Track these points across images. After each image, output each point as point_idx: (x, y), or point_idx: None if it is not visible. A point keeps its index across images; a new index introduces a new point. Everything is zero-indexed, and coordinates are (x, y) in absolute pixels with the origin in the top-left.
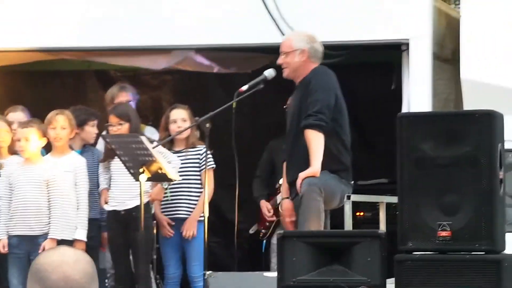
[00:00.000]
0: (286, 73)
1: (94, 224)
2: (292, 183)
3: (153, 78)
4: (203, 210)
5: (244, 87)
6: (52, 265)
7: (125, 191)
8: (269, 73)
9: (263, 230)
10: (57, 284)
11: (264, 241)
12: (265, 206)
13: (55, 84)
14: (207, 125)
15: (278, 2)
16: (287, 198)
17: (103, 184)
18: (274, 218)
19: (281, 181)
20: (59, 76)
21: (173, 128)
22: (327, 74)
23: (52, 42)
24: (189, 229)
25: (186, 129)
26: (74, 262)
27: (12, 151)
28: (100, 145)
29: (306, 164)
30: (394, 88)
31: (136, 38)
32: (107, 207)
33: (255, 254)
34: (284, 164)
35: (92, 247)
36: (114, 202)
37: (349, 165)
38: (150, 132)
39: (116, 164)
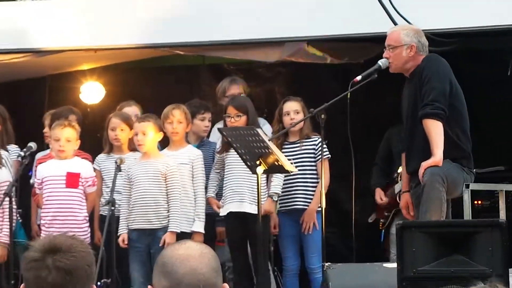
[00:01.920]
0: (393, 67)
1: (208, 219)
2: (413, 173)
3: (266, 70)
4: (320, 201)
5: (358, 77)
6: (179, 259)
7: (241, 187)
8: (383, 62)
9: (381, 220)
10: (185, 278)
11: (383, 231)
12: (378, 194)
13: (170, 79)
14: (322, 116)
15: None
16: (407, 191)
17: (210, 192)
18: (387, 205)
19: (399, 170)
20: (173, 72)
21: (286, 120)
22: (440, 61)
23: (167, 38)
24: (308, 221)
25: (300, 121)
26: (200, 256)
27: (132, 147)
28: (213, 137)
29: (426, 154)
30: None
31: (249, 31)
32: (223, 212)
33: (374, 245)
34: (403, 155)
35: (206, 241)
36: (229, 201)
37: (470, 152)
38: (262, 123)
39: (232, 156)
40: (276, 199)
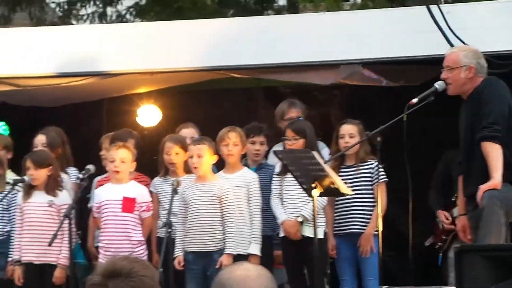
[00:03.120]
0: (451, 89)
1: (267, 241)
2: (470, 197)
3: (321, 93)
4: (377, 225)
5: (415, 100)
6: (236, 280)
7: (297, 207)
8: (440, 84)
9: (439, 243)
10: None
11: (440, 254)
12: (443, 215)
13: (226, 102)
14: (378, 139)
15: (446, 13)
16: (464, 214)
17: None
18: (453, 227)
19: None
20: (229, 94)
21: (341, 143)
22: (499, 83)
23: (223, 61)
24: (366, 245)
25: (354, 145)
26: (257, 277)
27: (187, 169)
28: (272, 160)
29: (484, 177)
30: None
31: (304, 54)
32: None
33: (431, 268)
34: (460, 178)
35: (264, 264)
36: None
37: None
38: (320, 147)
39: (289, 179)
40: (300, 220)
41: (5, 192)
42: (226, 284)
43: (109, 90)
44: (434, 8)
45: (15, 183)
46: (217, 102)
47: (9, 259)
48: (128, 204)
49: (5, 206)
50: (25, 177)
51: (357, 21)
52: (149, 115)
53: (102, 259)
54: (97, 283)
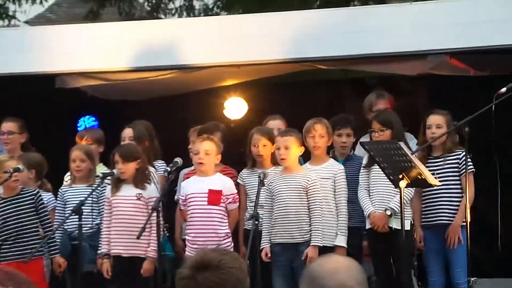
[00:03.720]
0: None
1: (355, 233)
2: None
3: (408, 83)
4: (465, 216)
5: (503, 89)
6: (328, 272)
7: (384, 199)
8: None
9: None
10: None
11: None
12: None
13: (312, 94)
14: (466, 129)
15: None
16: None
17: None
18: None
19: None
20: (316, 86)
21: (428, 134)
22: None
23: (309, 53)
24: (453, 236)
25: (442, 135)
26: (348, 269)
27: (274, 161)
28: (359, 152)
29: None
30: None
31: (390, 44)
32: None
33: None
34: None
35: (352, 255)
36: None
37: None
38: (409, 138)
39: (376, 170)
40: (389, 214)
41: (95, 186)
42: (317, 276)
43: (196, 83)
44: None
45: (104, 176)
46: (304, 94)
47: (99, 252)
48: (214, 197)
49: (94, 200)
50: (114, 171)
51: (443, 11)
52: (235, 107)
53: (189, 251)
54: (186, 277)
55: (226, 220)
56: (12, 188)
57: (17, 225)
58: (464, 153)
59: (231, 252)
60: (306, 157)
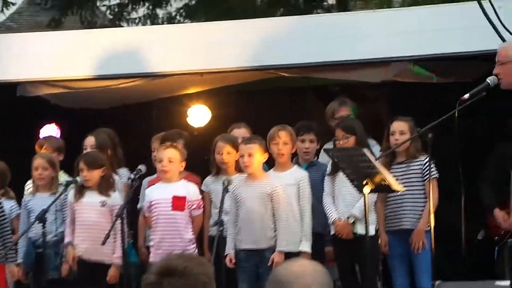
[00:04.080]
0: (503, 83)
1: (318, 238)
2: None
3: (371, 91)
4: (429, 221)
5: (466, 96)
6: (293, 276)
7: (348, 205)
8: (492, 80)
9: (496, 238)
10: None
11: (496, 248)
12: (501, 216)
13: (275, 101)
14: (429, 135)
15: (497, 8)
16: None
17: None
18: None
19: None
20: (279, 94)
21: (392, 140)
22: None
23: (271, 60)
24: (418, 240)
25: (405, 142)
26: (313, 273)
27: (238, 168)
28: (323, 159)
29: None
30: None
31: (354, 52)
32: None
33: (484, 263)
34: None
35: (316, 261)
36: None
37: None
38: (372, 145)
39: (340, 177)
40: (352, 221)
41: (58, 194)
42: (282, 281)
43: (159, 91)
44: (485, 3)
45: (68, 184)
46: (267, 102)
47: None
48: (178, 203)
49: (58, 207)
50: (77, 178)
51: (407, 18)
52: (199, 115)
53: (153, 258)
54: (152, 282)
55: (191, 226)
56: None
57: None
58: (427, 159)
59: (197, 258)
60: (270, 164)
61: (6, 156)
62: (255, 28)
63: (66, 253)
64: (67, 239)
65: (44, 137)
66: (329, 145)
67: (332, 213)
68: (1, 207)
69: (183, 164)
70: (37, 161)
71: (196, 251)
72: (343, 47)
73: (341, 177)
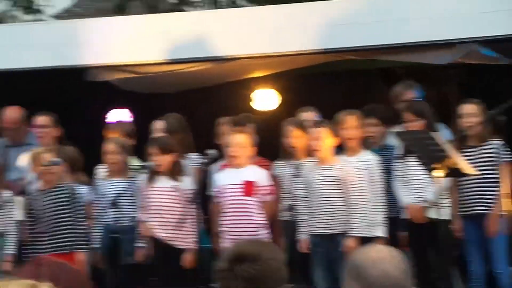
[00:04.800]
0: None
1: (390, 223)
2: None
3: (437, 73)
4: (503, 205)
5: None
6: (371, 262)
7: (421, 189)
8: None
9: None
10: (378, 280)
11: None
12: None
13: (341, 84)
14: (502, 117)
15: None
16: None
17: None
18: None
19: None
20: (345, 77)
21: (462, 123)
22: None
23: (338, 43)
24: (492, 226)
25: (477, 124)
26: (391, 259)
27: (308, 153)
28: (392, 142)
29: None
30: None
31: (420, 33)
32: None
33: None
34: None
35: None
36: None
37: None
38: (441, 128)
39: (411, 161)
40: (425, 205)
41: (131, 178)
42: (360, 266)
43: (225, 75)
44: None
45: (141, 168)
46: (332, 85)
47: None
48: (249, 188)
49: (132, 192)
50: (150, 163)
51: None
52: (266, 99)
53: (225, 243)
54: (225, 269)
55: (262, 211)
56: (48, 181)
57: (52, 218)
58: (500, 142)
59: (269, 243)
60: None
61: (77, 142)
62: (320, 10)
63: (141, 230)
64: (141, 219)
65: (115, 121)
66: (398, 128)
67: (405, 198)
68: (76, 194)
69: (254, 149)
70: (109, 146)
71: (269, 236)
72: (409, 28)
73: (411, 161)
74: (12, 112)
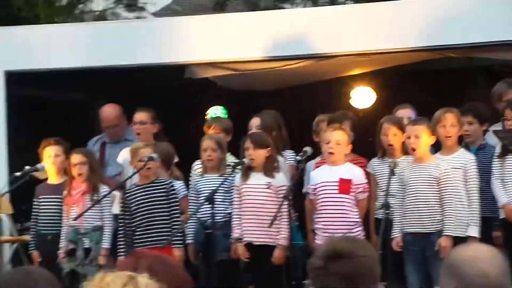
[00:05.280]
0: None
1: (485, 223)
2: None
3: None
4: None
5: None
6: (468, 261)
7: None
8: None
9: None
10: (475, 280)
11: None
12: None
13: (441, 82)
14: None
15: None
16: None
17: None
18: None
19: None
20: (444, 74)
21: None
22: None
23: (437, 41)
24: None
25: None
26: (491, 258)
27: (404, 151)
28: (490, 141)
29: None
30: None
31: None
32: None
33: None
34: None
35: None
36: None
37: None
38: None
39: (510, 160)
40: None
41: (226, 175)
42: (457, 265)
43: (323, 72)
44: None
45: (236, 165)
46: (433, 83)
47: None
48: (344, 186)
49: (226, 189)
50: (244, 160)
51: None
52: (363, 97)
53: (319, 240)
54: (319, 267)
55: (357, 209)
56: (145, 176)
57: (149, 213)
58: None
59: (361, 241)
60: (436, 148)
61: (175, 137)
62: (420, 8)
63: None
64: (236, 233)
65: (213, 118)
66: (497, 127)
67: (502, 197)
68: (173, 190)
69: (350, 146)
70: (206, 143)
71: (363, 234)
72: (501, 26)
73: (511, 159)
74: (110, 110)
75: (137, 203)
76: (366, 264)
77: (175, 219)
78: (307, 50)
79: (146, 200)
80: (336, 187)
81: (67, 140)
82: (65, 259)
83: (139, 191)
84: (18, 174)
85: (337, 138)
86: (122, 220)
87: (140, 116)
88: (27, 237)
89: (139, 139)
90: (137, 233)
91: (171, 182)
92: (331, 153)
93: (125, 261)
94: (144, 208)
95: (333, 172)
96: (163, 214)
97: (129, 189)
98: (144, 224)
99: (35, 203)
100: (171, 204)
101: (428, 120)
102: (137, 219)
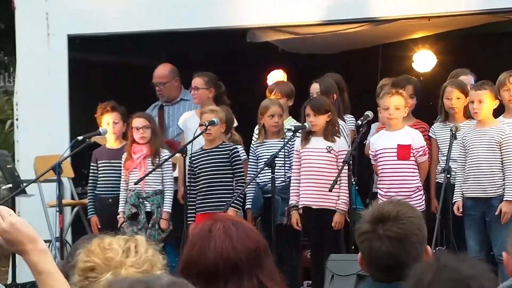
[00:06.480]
0: None
1: None
2: None
3: None
4: None
5: None
6: None
7: None
8: None
9: None
10: None
11: None
12: None
13: (502, 45)
14: None
15: None
16: None
17: None
18: None
19: None
20: (504, 37)
21: None
22: None
23: (497, 3)
24: None
25: None
26: None
27: (467, 115)
28: None
29: None
30: None
31: None
32: None
33: None
34: None
35: None
36: None
37: None
38: None
39: None
40: None
41: (286, 139)
42: None
43: (385, 36)
44: None
45: (296, 130)
46: (495, 46)
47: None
48: (403, 152)
49: (286, 153)
50: (305, 124)
51: None
52: (424, 60)
53: None
54: (367, 231)
55: (417, 174)
56: (208, 141)
57: (210, 176)
58: None
59: (405, 203)
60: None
61: (236, 102)
62: None
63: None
64: (293, 200)
65: (275, 82)
66: None
67: None
68: (237, 155)
69: (407, 109)
70: (274, 109)
71: (424, 198)
72: None
73: None
74: (162, 67)
75: (200, 167)
76: (413, 225)
77: (239, 183)
78: (368, 14)
79: (210, 164)
80: (395, 154)
81: (127, 105)
82: (126, 223)
83: (203, 155)
84: (80, 138)
85: (395, 104)
86: (188, 185)
87: (195, 81)
88: (87, 201)
89: (197, 103)
90: (200, 196)
91: (235, 147)
92: (390, 119)
93: (201, 224)
94: (207, 172)
95: (392, 138)
96: (226, 179)
97: (194, 153)
98: (206, 188)
99: (93, 167)
100: (235, 168)
101: (492, 84)
102: (200, 183)
